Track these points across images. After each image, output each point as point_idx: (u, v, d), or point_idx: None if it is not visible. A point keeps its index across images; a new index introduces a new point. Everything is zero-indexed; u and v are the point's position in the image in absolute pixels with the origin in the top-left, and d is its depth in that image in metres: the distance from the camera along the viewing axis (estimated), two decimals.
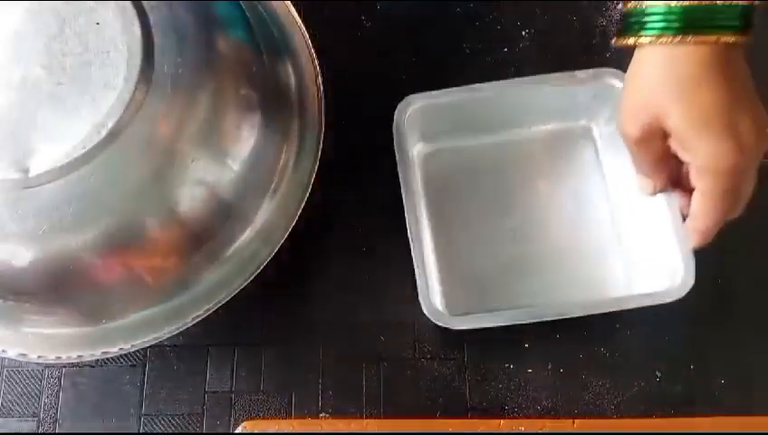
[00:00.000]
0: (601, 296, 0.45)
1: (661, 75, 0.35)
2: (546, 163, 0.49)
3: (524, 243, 0.47)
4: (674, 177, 0.40)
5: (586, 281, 0.45)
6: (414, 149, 0.49)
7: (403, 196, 0.43)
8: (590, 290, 0.45)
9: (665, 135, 0.37)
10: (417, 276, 0.41)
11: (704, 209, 0.37)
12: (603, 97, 0.46)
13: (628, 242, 0.46)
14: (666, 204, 0.42)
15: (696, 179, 0.37)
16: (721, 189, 0.36)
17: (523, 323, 0.41)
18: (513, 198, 0.48)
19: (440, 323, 0.41)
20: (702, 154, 0.35)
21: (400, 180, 0.43)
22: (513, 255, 0.46)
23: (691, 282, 0.40)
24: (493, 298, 0.45)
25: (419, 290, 0.41)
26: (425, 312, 0.41)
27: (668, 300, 0.41)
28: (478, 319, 0.42)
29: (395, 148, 0.44)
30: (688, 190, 0.39)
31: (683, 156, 0.37)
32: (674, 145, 0.37)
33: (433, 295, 0.43)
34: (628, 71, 0.38)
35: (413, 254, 0.42)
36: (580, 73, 0.45)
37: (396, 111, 0.44)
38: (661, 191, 0.41)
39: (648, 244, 0.44)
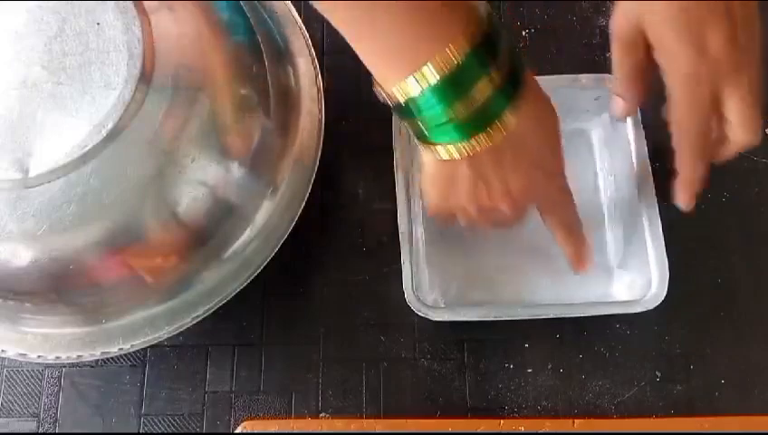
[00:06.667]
0: (578, 300, 0.45)
1: None
2: None
3: (516, 242, 0.46)
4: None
5: (570, 282, 0.45)
6: (415, 149, 0.48)
7: (397, 194, 0.43)
8: (573, 292, 0.45)
9: (647, 46, 0.36)
10: (403, 271, 0.42)
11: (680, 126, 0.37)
12: (604, 101, 0.46)
13: (616, 247, 0.46)
14: (648, 216, 0.42)
15: (672, 88, 0.36)
16: (691, 97, 0.35)
17: (501, 319, 0.42)
18: None
19: (421, 314, 0.41)
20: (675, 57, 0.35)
21: (396, 178, 0.44)
22: (504, 254, 0.46)
23: (662, 295, 0.41)
24: (482, 295, 0.45)
25: (404, 282, 0.42)
26: (407, 301, 0.41)
27: (639, 310, 0.41)
28: (454, 312, 0.43)
29: (394, 148, 0.44)
30: None
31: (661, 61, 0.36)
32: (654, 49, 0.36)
33: (426, 292, 0.43)
34: None
35: (401, 248, 0.42)
36: (584, 78, 0.45)
37: None
38: (631, 111, 0.42)
39: (629, 253, 0.45)
